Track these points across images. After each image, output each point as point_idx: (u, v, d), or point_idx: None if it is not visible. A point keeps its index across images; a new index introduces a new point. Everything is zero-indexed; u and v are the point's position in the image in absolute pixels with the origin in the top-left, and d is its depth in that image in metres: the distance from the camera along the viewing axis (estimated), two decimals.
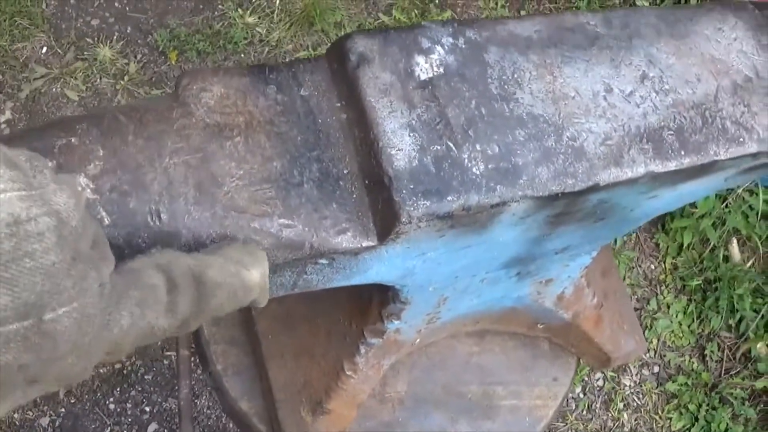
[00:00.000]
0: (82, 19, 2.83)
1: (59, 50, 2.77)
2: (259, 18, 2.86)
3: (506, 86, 0.97)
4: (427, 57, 0.96)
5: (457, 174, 0.90)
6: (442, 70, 0.96)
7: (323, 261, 0.93)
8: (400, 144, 0.90)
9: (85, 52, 2.77)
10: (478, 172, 0.91)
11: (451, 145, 0.92)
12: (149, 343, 0.75)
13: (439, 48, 0.97)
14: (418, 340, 1.34)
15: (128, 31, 2.83)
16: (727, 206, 2.70)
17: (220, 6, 2.87)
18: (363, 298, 1.26)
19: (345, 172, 0.93)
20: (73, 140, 0.89)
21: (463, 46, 0.98)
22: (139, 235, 0.86)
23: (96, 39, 2.80)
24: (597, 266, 1.50)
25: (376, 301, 1.22)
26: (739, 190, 2.68)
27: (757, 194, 2.68)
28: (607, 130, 0.99)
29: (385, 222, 0.90)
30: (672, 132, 1.03)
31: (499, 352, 1.50)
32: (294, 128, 0.94)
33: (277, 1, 2.88)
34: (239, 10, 2.87)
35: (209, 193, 0.88)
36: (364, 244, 0.91)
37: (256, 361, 1.40)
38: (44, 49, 2.77)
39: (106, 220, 0.86)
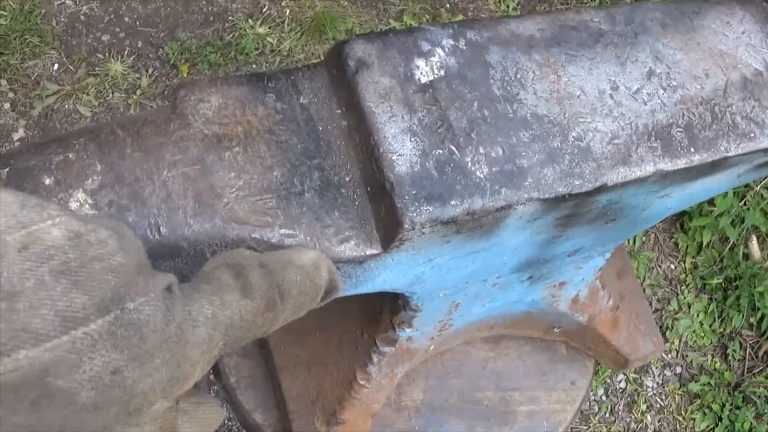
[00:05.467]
0: (93, 35, 2.84)
1: (71, 67, 2.78)
2: (270, 28, 2.86)
3: (509, 87, 0.95)
4: (427, 60, 0.94)
5: (460, 178, 0.88)
6: (442, 72, 0.94)
7: None
8: (401, 149, 0.88)
9: (97, 68, 2.78)
10: (481, 176, 0.89)
11: (454, 148, 0.90)
12: (249, 336, 0.73)
13: (439, 50, 0.95)
14: (431, 348, 1.33)
15: (139, 45, 2.83)
16: (745, 204, 2.68)
17: (230, 18, 2.87)
18: (374, 306, 1.24)
19: (347, 179, 0.91)
20: (70, 155, 0.88)
21: (464, 47, 0.96)
22: None
23: (107, 54, 2.81)
24: (612, 268, 1.48)
25: (387, 310, 1.21)
26: (757, 188, 2.65)
27: None
28: (614, 128, 0.98)
29: (389, 229, 0.88)
30: (681, 129, 1.01)
31: (516, 357, 1.48)
32: (294, 136, 0.92)
33: (288, 11, 2.88)
34: (249, 21, 2.87)
35: (208, 205, 0.87)
36: (368, 252, 0.90)
37: (269, 373, 1.39)
38: (56, 66, 2.78)
39: None
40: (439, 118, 0.91)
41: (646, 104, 1.01)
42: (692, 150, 1.01)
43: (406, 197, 0.86)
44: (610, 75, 1.01)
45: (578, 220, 1.03)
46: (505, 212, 0.91)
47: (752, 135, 1.05)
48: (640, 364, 1.50)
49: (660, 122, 1.00)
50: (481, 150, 0.91)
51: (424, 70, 0.94)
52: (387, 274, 0.99)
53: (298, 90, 0.96)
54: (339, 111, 0.94)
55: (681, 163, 1.00)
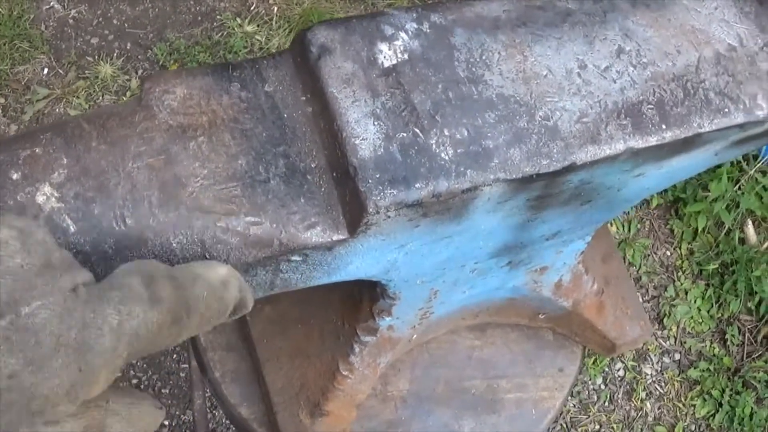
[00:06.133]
0: (82, 38, 2.84)
1: (60, 70, 2.78)
2: (258, 26, 2.86)
3: (474, 68, 0.95)
4: (391, 44, 0.94)
5: (425, 160, 0.88)
6: (406, 56, 0.94)
7: (296, 258, 0.91)
8: (365, 133, 0.88)
9: (87, 71, 2.78)
10: (446, 158, 0.89)
11: (418, 131, 0.89)
12: (153, 348, 0.71)
13: (402, 34, 0.95)
14: (414, 336, 1.32)
15: (128, 47, 2.83)
16: (740, 188, 2.67)
17: (218, 17, 2.87)
18: (354, 296, 1.24)
19: (312, 165, 0.91)
20: (37, 150, 0.88)
21: (428, 30, 0.96)
22: (105, 241, 0.85)
23: (96, 57, 2.81)
24: (596, 252, 1.48)
25: (366, 299, 1.20)
26: (752, 171, 2.64)
27: None
28: (583, 107, 0.97)
29: (354, 214, 0.88)
30: (652, 106, 1.00)
31: (502, 345, 1.47)
32: (259, 124, 0.92)
33: (275, 8, 2.88)
34: (237, 19, 2.86)
35: (173, 195, 0.87)
36: (335, 238, 0.89)
37: (253, 366, 1.38)
38: (45, 71, 2.78)
39: (71, 227, 0.85)
40: (403, 102, 0.91)
41: (615, 82, 1.00)
42: (664, 127, 1.00)
43: (370, 181, 0.86)
44: (577, 54, 1.00)
45: (551, 201, 1.02)
46: (471, 194, 0.90)
47: (726, 110, 1.04)
48: (628, 348, 1.50)
49: (630, 99, 1.00)
50: (446, 132, 0.90)
51: (387, 54, 0.93)
52: (359, 261, 0.98)
53: (263, 78, 0.95)
54: (304, 98, 0.94)
55: (652, 140, 0.99)
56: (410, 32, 0.95)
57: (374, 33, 0.94)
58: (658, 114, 1.00)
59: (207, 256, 0.87)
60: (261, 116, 0.93)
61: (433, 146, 0.89)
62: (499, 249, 1.12)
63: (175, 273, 0.76)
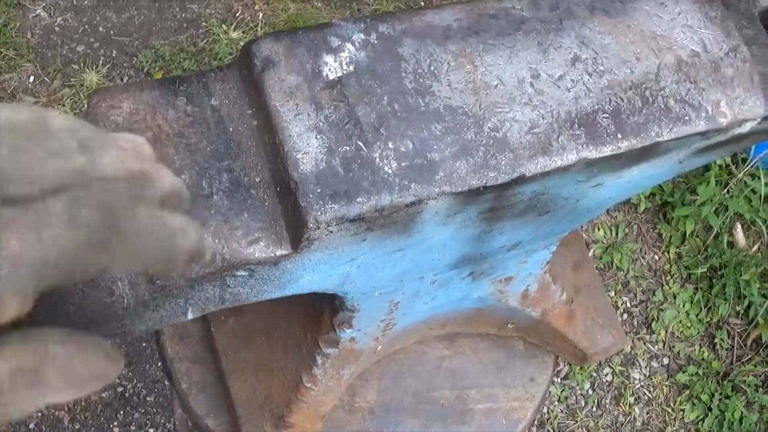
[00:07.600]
0: (68, 46, 2.84)
1: (46, 78, 2.78)
2: (244, 33, 2.85)
3: (422, 79, 0.94)
4: (337, 56, 0.93)
5: (368, 174, 0.87)
6: (352, 68, 0.92)
7: (242, 273, 0.90)
8: (306, 147, 0.87)
9: (72, 79, 2.78)
10: (390, 171, 0.87)
11: (361, 144, 0.88)
12: (77, 271, 0.56)
13: (349, 45, 0.94)
14: (379, 348, 1.31)
15: (113, 54, 2.83)
16: (728, 192, 2.65)
17: (203, 23, 2.87)
18: (315, 308, 1.23)
19: (257, 180, 0.90)
20: None
21: (376, 41, 0.95)
22: None
23: (82, 64, 2.81)
24: (567, 260, 1.46)
25: (327, 311, 1.19)
26: (740, 175, 2.62)
27: (759, 178, 2.63)
28: (534, 117, 0.95)
29: (295, 229, 0.86)
30: (607, 115, 0.99)
31: (471, 355, 1.46)
32: (204, 139, 0.91)
33: (261, 15, 2.87)
34: (223, 26, 2.86)
35: None
36: (278, 253, 0.88)
37: (218, 377, 1.37)
38: (31, 79, 2.78)
39: None
40: (347, 114, 0.89)
41: (569, 91, 0.98)
42: (619, 136, 0.98)
43: (311, 196, 0.85)
44: (531, 63, 0.99)
45: (505, 213, 1.01)
46: (416, 208, 0.89)
47: (686, 118, 1.03)
48: (601, 358, 1.48)
49: (584, 109, 0.98)
50: (390, 145, 0.89)
51: (332, 67, 0.92)
52: (310, 275, 0.97)
53: (210, 92, 0.94)
54: (249, 111, 0.93)
55: (607, 150, 0.97)
56: (357, 43, 0.94)
57: (320, 45, 0.93)
58: (614, 123, 0.98)
59: (149, 272, 0.86)
60: (206, 130, 0.91)
61: (377, 160, 0.88)
62: (458, 261, 1.11)
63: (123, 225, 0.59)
